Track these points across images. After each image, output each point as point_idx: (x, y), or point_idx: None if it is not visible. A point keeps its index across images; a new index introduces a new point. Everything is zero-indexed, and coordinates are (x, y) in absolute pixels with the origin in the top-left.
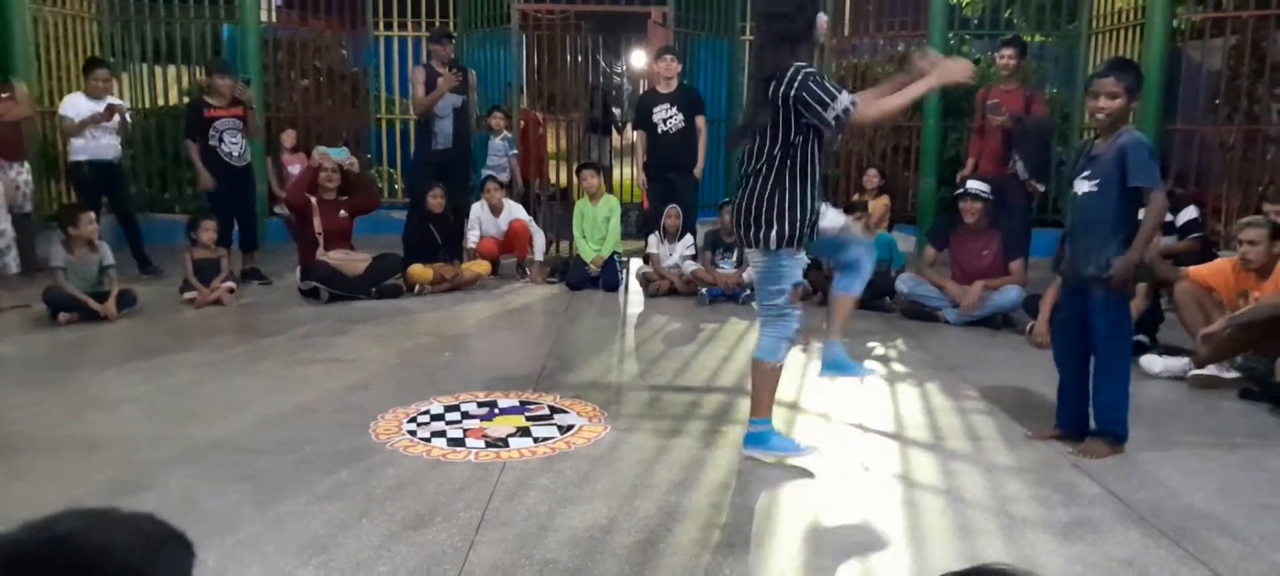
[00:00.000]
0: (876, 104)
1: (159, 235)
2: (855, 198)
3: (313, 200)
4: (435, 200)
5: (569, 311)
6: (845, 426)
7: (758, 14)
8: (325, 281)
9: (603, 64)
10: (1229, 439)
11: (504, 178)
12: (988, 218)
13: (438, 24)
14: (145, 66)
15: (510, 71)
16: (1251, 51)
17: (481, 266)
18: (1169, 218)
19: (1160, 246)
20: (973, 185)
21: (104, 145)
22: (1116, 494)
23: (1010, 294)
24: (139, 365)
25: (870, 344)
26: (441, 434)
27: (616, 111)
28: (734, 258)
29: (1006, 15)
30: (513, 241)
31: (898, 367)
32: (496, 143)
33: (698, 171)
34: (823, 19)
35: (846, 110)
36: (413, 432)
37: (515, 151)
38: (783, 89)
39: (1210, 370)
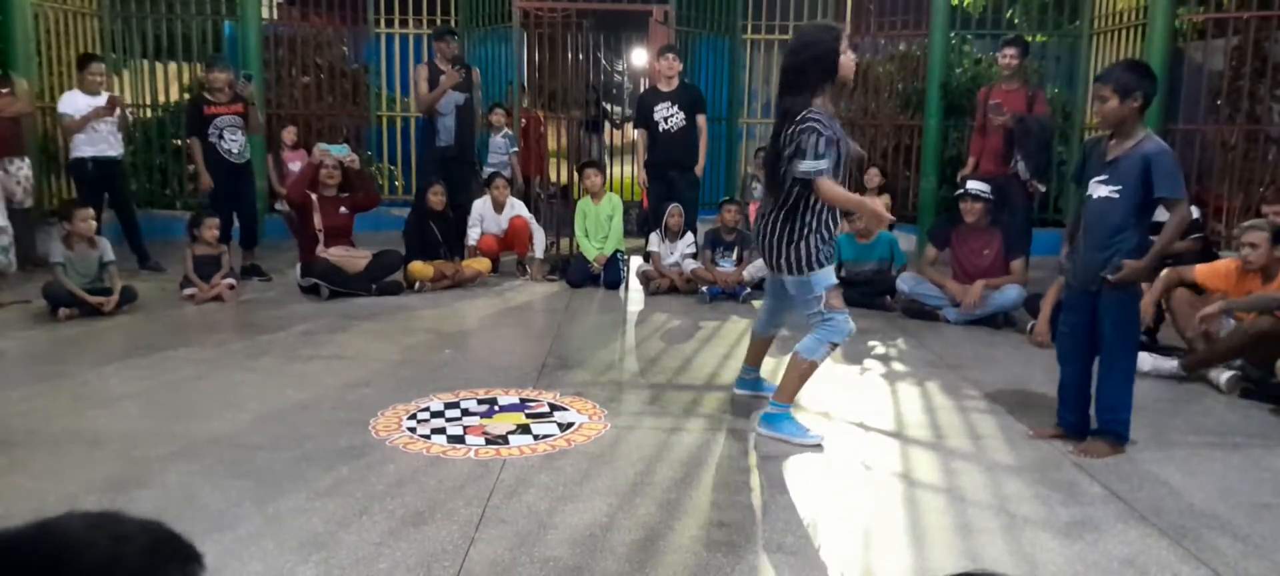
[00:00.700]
0: (834, 191)
1: (159, 231)
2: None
3: (313, 197)
4: (435, 197)
5: (569, 309)
6: (846, 425)
7: (785, 59)
8: (325, 278)
9: (604, 62)
10: (1230, 438)
11: (505, 174)
12: (988, 217)
13: (439, 21)
14: (146, 62)
15: (511, 69)
16: (1253, 52)
17: (482, 264)
18: (1169, 216)
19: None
20: (973, 185)
21: (108, 142)
22: (1117, 493)
23: (1011, 293)
24: (139, 361)
25: (871, 343)
26: (441, 431)
27: (608, 107)
28: (734, 256)
29: (1008, 15)
30: (513, 239)
31: (898, 366)
32: (498, 140)
33: (698, 170)
34: (847, 61)
35: (813, 173)
36: (413, 429)
37: (516, 149)
38: (788, 130)
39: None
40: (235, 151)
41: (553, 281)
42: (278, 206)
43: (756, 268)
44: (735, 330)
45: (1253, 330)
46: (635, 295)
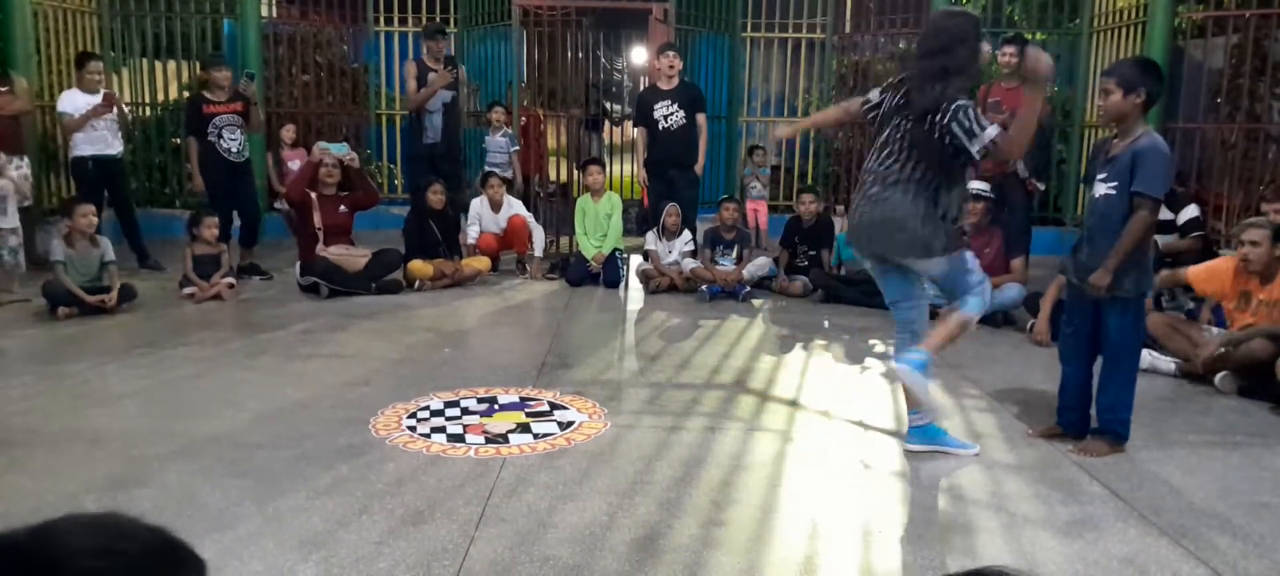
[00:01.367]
0: (1018, 131)
1: (158, 229)
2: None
3: (313, 195)
4: (435, 196)
5: (569, 308)
6: (846, 424)
7: (922, 49)
8: (325, 277)
9: (603, 60)
10: (1229, 437)
11: (506, 174)
12: (989, 216)
13: (438, 20)
14: (145, 61)
15: (511, 67)
16: (1253, 50)
17: (481, 262)
18: (1170, 216)
19: (1162, 245)
20: (975, 185)
21: (108, 141)
22: (1117, 492)
23: (1011, 292)
24: (138, 360)
25: (871, 342)
26: (441, 430)
27: (608, 105)
28: (733, 254)
29: (1008, 13)
30: (512, 237)
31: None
32: (497, 139)
33: (698, 168)
34: (986, 49)
35: (991, 143)
36: (412, 428)
37: (516, 148)
38: (939, 120)
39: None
40: (234, 150)
41: (552, 280)
42: (277, 205)
43: (756, 266)
44: (734, 329)
45: (1249, 356)
46: (635, 294)
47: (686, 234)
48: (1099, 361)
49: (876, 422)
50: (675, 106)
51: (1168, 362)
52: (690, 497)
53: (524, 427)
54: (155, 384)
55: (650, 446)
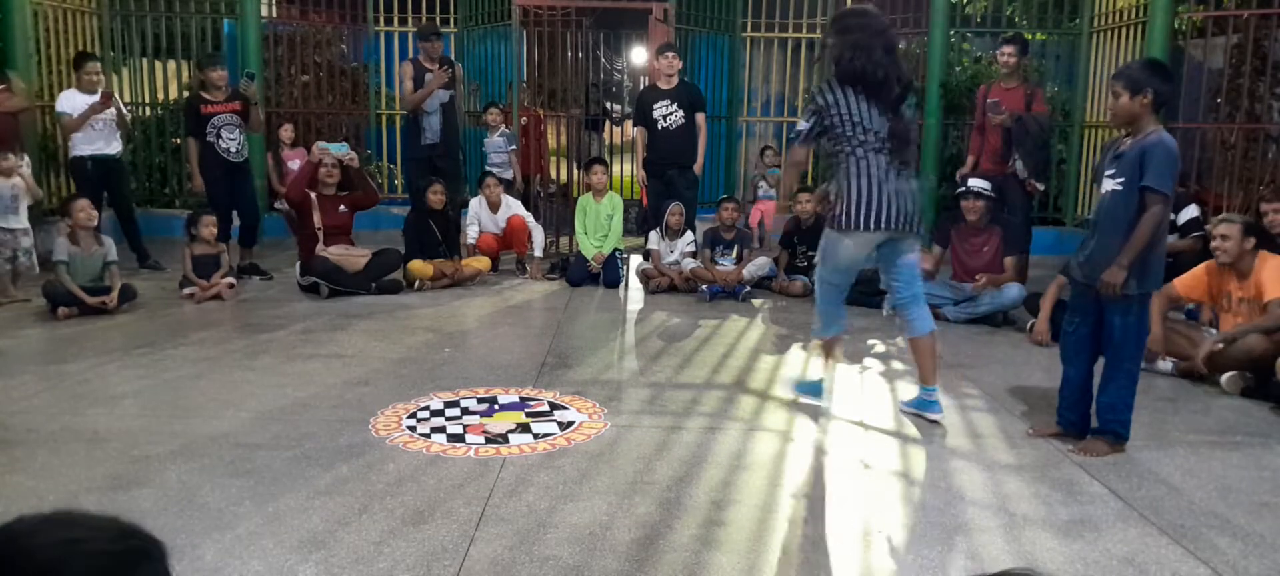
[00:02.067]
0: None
1: (158, 229)
2: None
3: (312, 195)
4: (435, 196)
5: (569, 308)
6: (846, 424)
7: (886, 44)
8: (325, 277)
9: (603, 60)
10: (1229, 437)
11: (505, 175)
12: (989, 215)
13: (438, 21)
14: (145, 61)
15: (510, 67)
16: (1253, 50)
17: (482, 262)
18: (1171, 216)
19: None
20: (974, 183)
21: (107, 140)
22: (1117, 492)
23: (1011, 292)
24: (138, 359)
25: (871, 342)
26: (441, 430)
27: (608, 105)
28: (733, 254)
29: (1008, 12)
30: (511, 237)
31: (898, 365)
32: (496, 139)
33: (698, 168)
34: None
35: (795, 134)
36: (412, 428)
37: (514, 148)
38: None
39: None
40: (233, 150)
41: (552, 280)
42: (277, 205)
43: (756, 266)
44: (734, 329)
45: (1246, 353)
46: (635, 294)
47: (689, 234)
48: (1100, 361)
49: (876, 423)
50: (675, 106)
51: (1166, 363)
52: (690, 497)
53: (524, 427)
54: (155, 384)
55: (650, 446)
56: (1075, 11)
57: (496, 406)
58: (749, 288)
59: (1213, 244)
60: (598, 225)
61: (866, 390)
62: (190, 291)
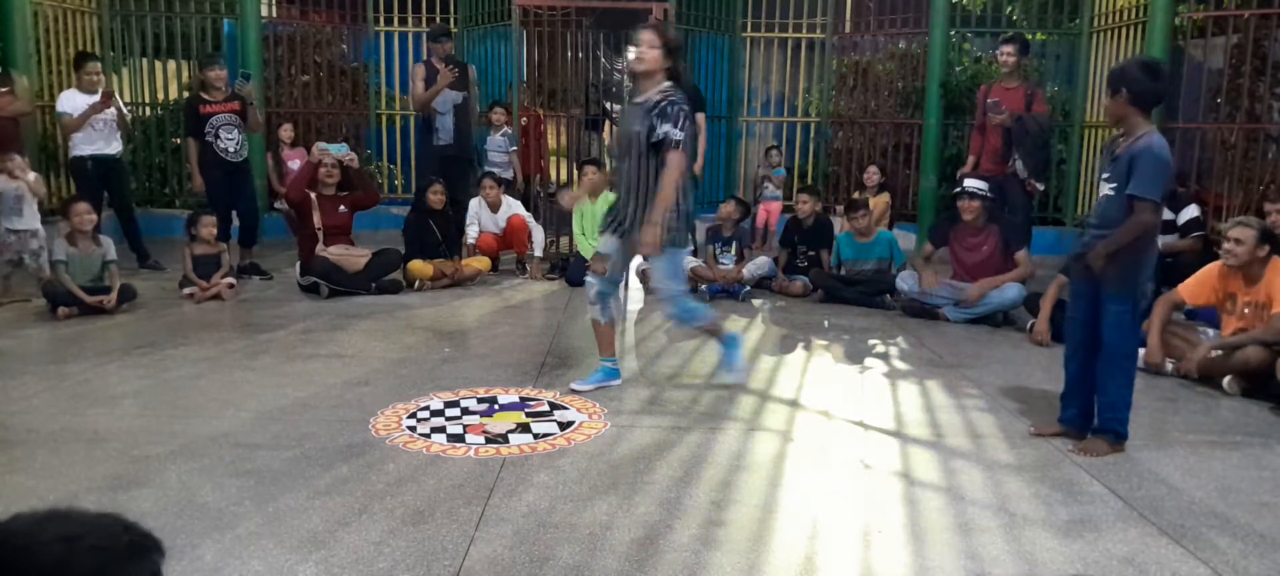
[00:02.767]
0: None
1: (158, 229)
2: (856, 195)
3: (312, 195)
4: (435, 196)
5: (569, 308)
6: (845, 423)
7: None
8: (325, 277)
9: (603, 60)
10: (1229, 437)
11: (505, 175)
12: (986, 215)
13: (438, 20)
14: (145, 61)
15: (511, 67)
16: (1253, 50)
17: (481, 262)
18: (1170, 216)
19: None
20: (970, 183)
21: (107, 140)
22: (1117, 492)
23: (1011, 292)
24: (138, 359)
25: (871, 341)
26: (441, 430)
27: (608, 105)
28: (733, 250)
29: (1008, 12)
30: (512, 237)
31: (898, 365)
32: (497, 138)
33: (698, 168)
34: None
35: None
36: (412, 428)
37: (515, 147)
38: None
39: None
40: (232, 150)
41: (552, 280)
42: (277, 205)
43: (756, 266)
44: (734, 328)
45: (1244, 364)
46: (635, 293)
47: None
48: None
49: (876, 422)
50: None
51: (1166, 364)
52: (690, 497)
53: (524, 427)
54: (155, 383)
55: (650, 446)
56: (1075, 11)
57: (496, 406)
58: (749, 287)
59: (1224, 247)
60: (596, 225)
61: (866, 390)
62: (190, 291)
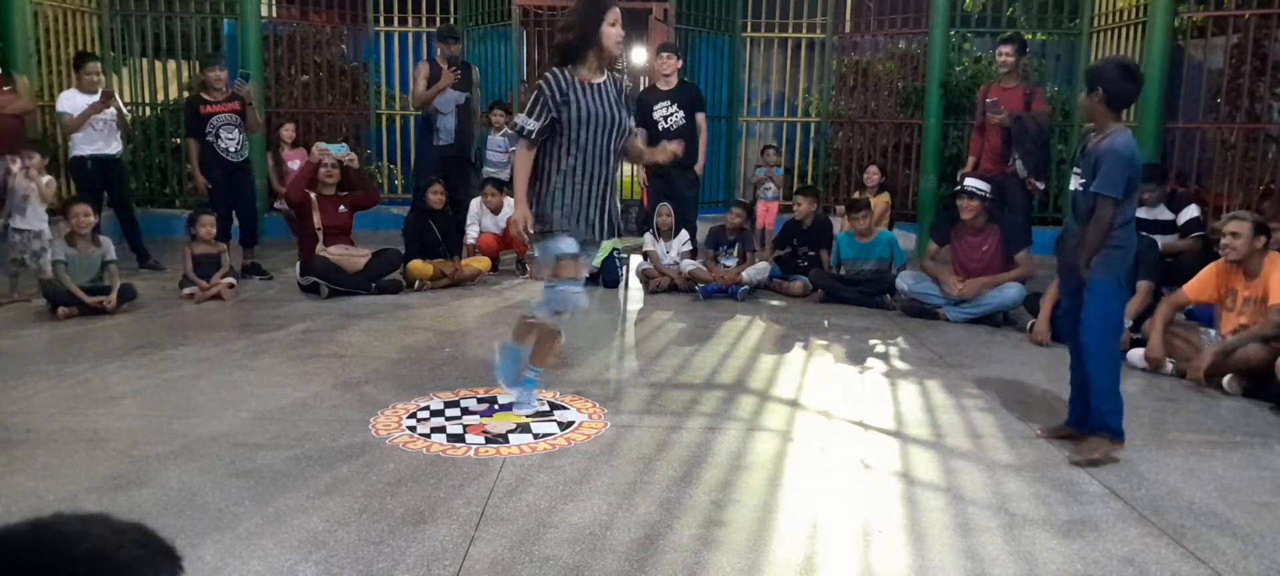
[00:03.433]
0: (524, 166)
1: (158, 229)
2: (856, 195)
3: (312, 196)
4: (435, 196)
5: None
6: (845, 423)
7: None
8: (325, 277)
9: None
10: (1229, 437)
11: (504, 175)
12: (985, 215)
13: (438, 20)
14: (145, 61)
15: (510, 67)
16: (1253, 50)
17: (481, 262)
18: (1171, 216)
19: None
20: (970, 183)
21: (107, 140)
22: (1116, 492)
23: (1011, 291)
24: (138, 359)
25: (871, 341)
26: (441, 430)
27: None
28: (735, 253)
29: (1008, 12)
30: (512, 238)
31: (898, 365)
32: (497, 139)
33: (698, 168)
34: (609, 33)
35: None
36: (412, 428)
37: (514, 148)
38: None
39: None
40: (232, 150)
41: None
42: (277, 205)
43: (756, 271)
44: (734, 328)
45: (1244, 362)
46: (635, 294)
47: (684, 234)
48: None
49: (876, 422)
50: (674, 107)
51: (1166, 365)
52: (690, 497)
53: (524, 427)
54: (155, 383)
55: (650, 446)
56: (1075, 11)
57: (496, 406)
58: (747, 288)
59: (1223, 242)
60: None
61: (866, 390)
62: (190, 291)
